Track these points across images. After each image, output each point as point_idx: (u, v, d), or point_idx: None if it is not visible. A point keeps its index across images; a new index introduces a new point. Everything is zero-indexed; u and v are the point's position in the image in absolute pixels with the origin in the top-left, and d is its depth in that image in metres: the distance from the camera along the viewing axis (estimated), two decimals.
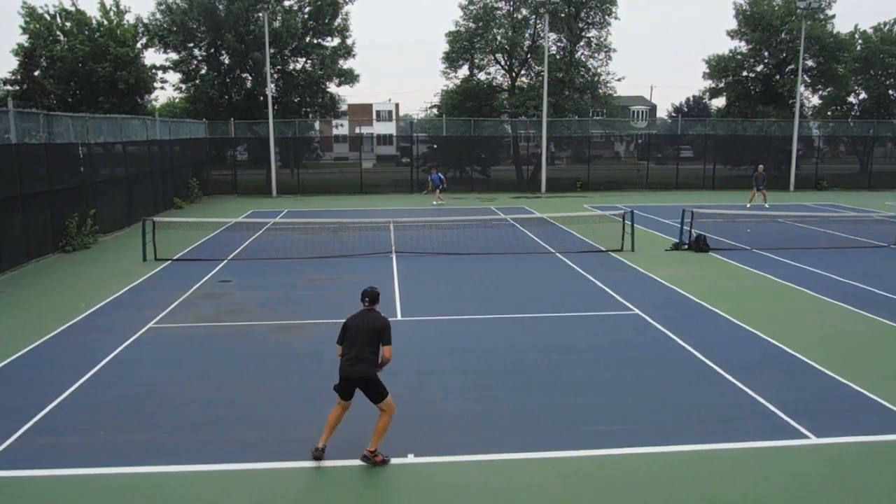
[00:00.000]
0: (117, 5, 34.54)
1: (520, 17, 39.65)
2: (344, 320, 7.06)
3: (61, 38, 34.02)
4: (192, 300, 13.49)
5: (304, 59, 39.45)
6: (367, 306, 7.06)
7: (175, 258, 17.58)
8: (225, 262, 17.20)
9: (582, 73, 40.25)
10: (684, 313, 12.50)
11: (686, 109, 66.46)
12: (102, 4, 34.23)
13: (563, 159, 44.85)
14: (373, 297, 7.07)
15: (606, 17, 39.71)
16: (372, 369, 6.85)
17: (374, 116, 71.27)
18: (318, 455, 6.91)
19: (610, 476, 6.76)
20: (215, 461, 7.02)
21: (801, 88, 39.29)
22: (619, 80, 66.31)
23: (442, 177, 31.71)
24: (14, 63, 32.93)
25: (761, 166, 30.17)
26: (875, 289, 14.25)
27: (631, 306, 12.90)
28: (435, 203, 29.99)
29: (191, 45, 37.81)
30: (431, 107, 45.47)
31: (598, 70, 40.87)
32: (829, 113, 46.05)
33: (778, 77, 41.90)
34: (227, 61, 38.62)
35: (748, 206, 27.95)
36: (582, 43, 40.37)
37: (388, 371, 6.85)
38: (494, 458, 7.08)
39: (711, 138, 39.38)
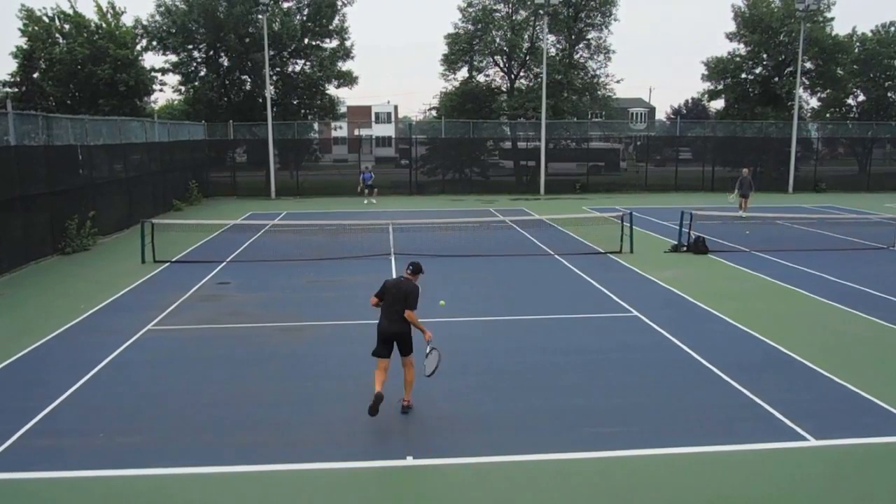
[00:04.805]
0: (113, 7, 34.51)
1: (519, 18, 39.70)
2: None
3: (60, 40, 34.00)
4: (192, 302, 13.49)
5: (302, 61, 39.48)
6: (409, 275, 8.12)
7: (174, 260, 17.58)
8: (224, 263, 17.20)
9: (581, 74, 40.31)
10: (683, 315, 12.52)
11: (685, 111, 66.48)
12: (99, 7, 34.23)
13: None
14: (416, 268, 8.25)
15: (606, 18, 39.81)
16: (404, 327, 7.95)
17: (373, 118, 71.30)
18: (380, 398, 7.56)
19: (610, 478, 6.76)
20: (215, 463, 7.02)
21: (800, 90, 39.36)
22: (617, 81, 66.93)
23: (371, 175, 32.96)
24: (13, 65, 33.01)
25: (745, 169, 27.82)
26: (874, 290, 14.26)
27: (630, 308, 12.91)
28: (366, 202, 31.43)
29: (190, 46, 37.79)
30: (430, 109, 45.58)
31: (597, 72, 41.01)
32: (827, 115, 46.14)
33: (777, 79, 41.99)
34: (226, 63, 38.64)
35: (743, 214, 27.27)
36: (581, 45, 40.45)
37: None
38: (494, 460, 7.08)
39: (710, 140, 39.40)
